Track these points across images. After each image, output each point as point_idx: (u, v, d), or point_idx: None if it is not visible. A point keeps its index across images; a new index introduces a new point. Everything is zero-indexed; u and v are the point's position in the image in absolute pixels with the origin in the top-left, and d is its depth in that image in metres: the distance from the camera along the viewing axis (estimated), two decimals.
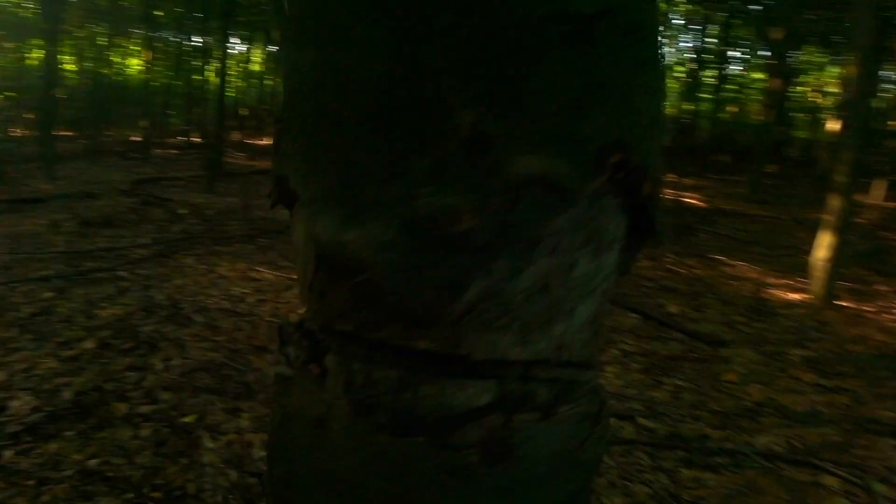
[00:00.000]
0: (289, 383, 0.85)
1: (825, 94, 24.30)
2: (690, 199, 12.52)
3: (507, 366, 0.77)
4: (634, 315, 6.67)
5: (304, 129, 0.78)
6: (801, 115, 24.69)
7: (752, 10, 19.34)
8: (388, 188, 0.70)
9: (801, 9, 15.40)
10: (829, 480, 3.39)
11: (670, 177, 16.75)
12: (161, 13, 18.19)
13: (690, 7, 20.57)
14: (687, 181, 16.17)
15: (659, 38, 0.74)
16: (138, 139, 16.93)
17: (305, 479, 0.82)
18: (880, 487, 2.96)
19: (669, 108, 20.95)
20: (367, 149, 0.71)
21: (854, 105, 7.81)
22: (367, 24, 0.69)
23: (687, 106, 23.35)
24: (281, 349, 0.88)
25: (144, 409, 2.92)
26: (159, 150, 16.77)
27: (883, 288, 8.68)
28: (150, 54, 17.78)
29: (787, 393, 5.11)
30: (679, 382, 5.34)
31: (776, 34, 15.11)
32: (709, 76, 23.55)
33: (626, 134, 0.70)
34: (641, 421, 4.48)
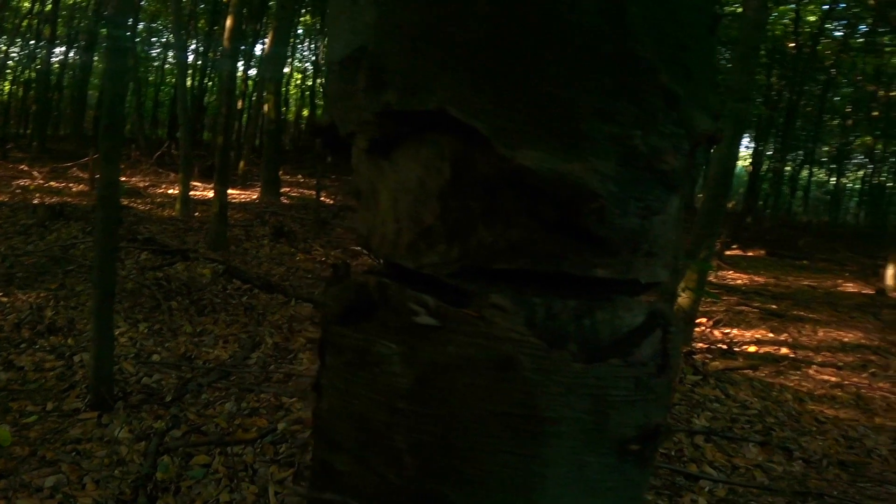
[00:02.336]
0: (437, 333, 0.76)
1: None
2: (322, 197, 12.98)
3: (655, 287, 0.84)
4: (307, 304, 6.76)
5: (486, 63, 0.72)
6: None
7: None
8: (600, 127, 0.72)
9: None
10: None
11: (298, 177, 17.19)
12: None
13: (309, 19, 21.35)
14: (312, 181, 16.76)
15: None
16: None
17: (481, 429, 0.75)
18: None
19: (290, 114, 21.39)
20: (577, 90, 0.71)
21: None
22: None
23: (305, 112, 24.23)
24: (413, 298, 0.78)
25: None
26: None
27: None
28: None
29: None
30: None
31: None
32: (321, 84, 24.75)
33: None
34: None
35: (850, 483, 3.86)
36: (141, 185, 13.28)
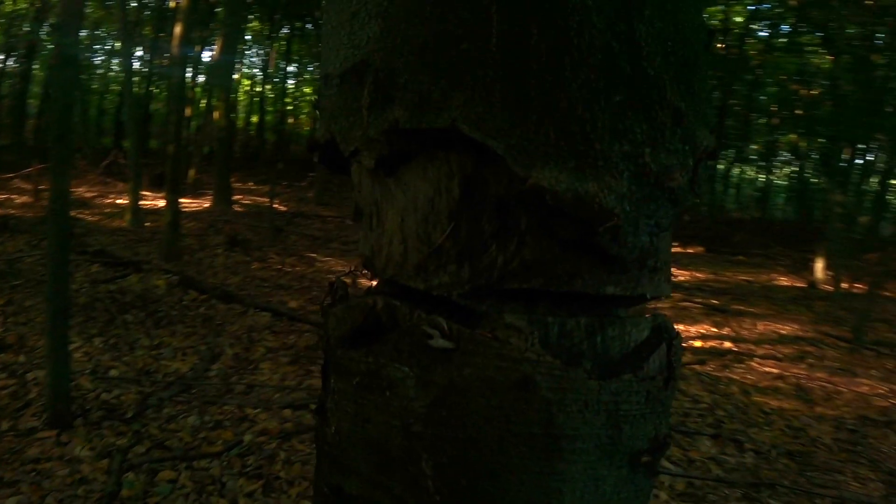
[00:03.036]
0: (453, 355, 0.74)
1: None
2: (275, 205, 12.76)
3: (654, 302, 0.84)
4: (265, 313, 6.64)
5: (500, 81, 0.71)
6: None
7: (308, 29, 20.77)
8: (613, 145, 0.72)
9: None
10: None
11: (249, 184, 16.86)
12: None
13: (258, 25, 20.96)
14: (263, 188, 16.49)
15: None
16: None
17: (500, 449, 0.73)
18: None
19: (239, 120, 20.99)
20: (592, 108, 0.71)
21: None
22: None
23: (254, 118, 23.79)
24: (427, 321, 0.76)
25: None
26: None
27: None
28: None
29: None
30: None
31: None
32: (270, 90, 24.36)
33: None
34: (314, 407, 4.54)
35: (798, 472, 3.98)
36: (88, 195, 12.78)
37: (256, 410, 4.36)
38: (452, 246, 0.78)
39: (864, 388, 6.20)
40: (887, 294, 11.96)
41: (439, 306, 0.81)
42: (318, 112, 0.93)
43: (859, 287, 11.89)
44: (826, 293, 11.81)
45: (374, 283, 0.99)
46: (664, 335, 0.82)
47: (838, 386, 6.22)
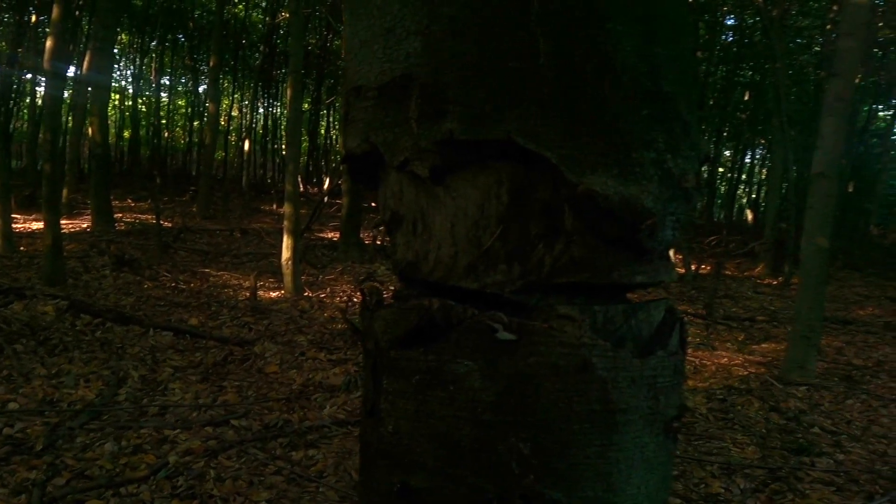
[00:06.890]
0: (517, 346, 0.78)
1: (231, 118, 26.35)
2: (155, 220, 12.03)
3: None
4: (167, 332, 6.27)
5: (551, 97, 0.76)
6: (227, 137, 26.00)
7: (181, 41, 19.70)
8: (644, 153, 0.79)
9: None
10: None
11: (128, 201, 15.75)
12: None
13: (126, 38, 19.54)
14: (143, 204, 15.49)
15: None
16: None
17: (567, 428, 0.78)
18: None
19: (112, 136, 19.50)
20: (629, 121, 0.78)
21: (294, 122, 8.83)
22: (619, 21, 0.77)
23: (126, 133, 22.17)
24: (489, 318, 0.79)
25: None
26: None
27: (328, 278, 10.12)
28: None
29: (316, 371, 5.64)
30: (237, 383, 5.34)
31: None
32: (143, 103, 22.82)
33: None
34: (235, 422, 4.36)
35: (686, 442, 4.32)
36: None
37: (175, 431, 4.11)
38: (502, 247, 0.82)
39: (724, 360, 6.82)
40: (728, 273, 13.20)
41: (482, 304, 0.85)
42: (346, 124, 0.94)
43: (705, 268, 13.03)
44: (678, 274, 12.83)
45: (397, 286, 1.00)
46: (676, 315, 0.91)
47: (702, 360, 6.80)
